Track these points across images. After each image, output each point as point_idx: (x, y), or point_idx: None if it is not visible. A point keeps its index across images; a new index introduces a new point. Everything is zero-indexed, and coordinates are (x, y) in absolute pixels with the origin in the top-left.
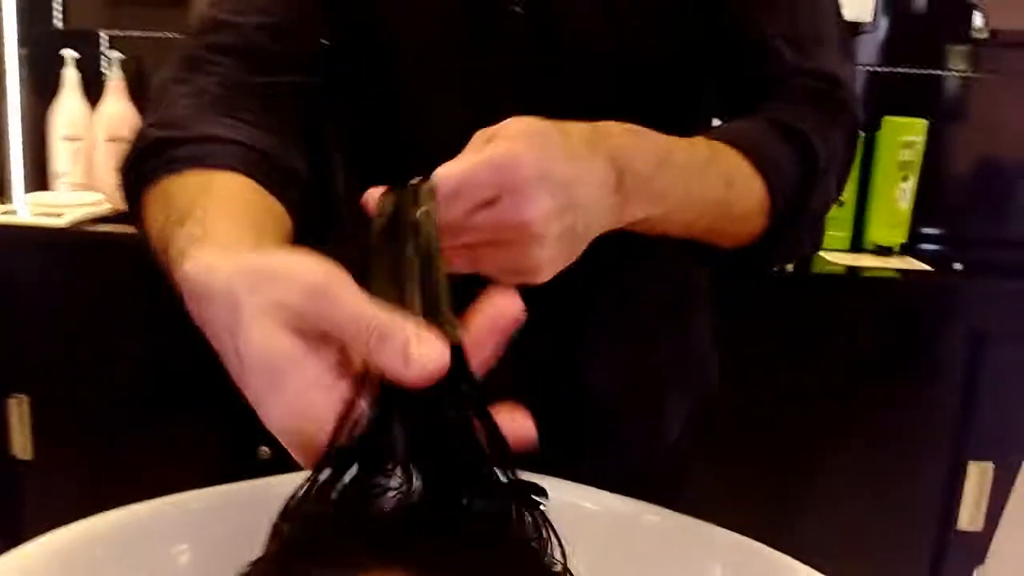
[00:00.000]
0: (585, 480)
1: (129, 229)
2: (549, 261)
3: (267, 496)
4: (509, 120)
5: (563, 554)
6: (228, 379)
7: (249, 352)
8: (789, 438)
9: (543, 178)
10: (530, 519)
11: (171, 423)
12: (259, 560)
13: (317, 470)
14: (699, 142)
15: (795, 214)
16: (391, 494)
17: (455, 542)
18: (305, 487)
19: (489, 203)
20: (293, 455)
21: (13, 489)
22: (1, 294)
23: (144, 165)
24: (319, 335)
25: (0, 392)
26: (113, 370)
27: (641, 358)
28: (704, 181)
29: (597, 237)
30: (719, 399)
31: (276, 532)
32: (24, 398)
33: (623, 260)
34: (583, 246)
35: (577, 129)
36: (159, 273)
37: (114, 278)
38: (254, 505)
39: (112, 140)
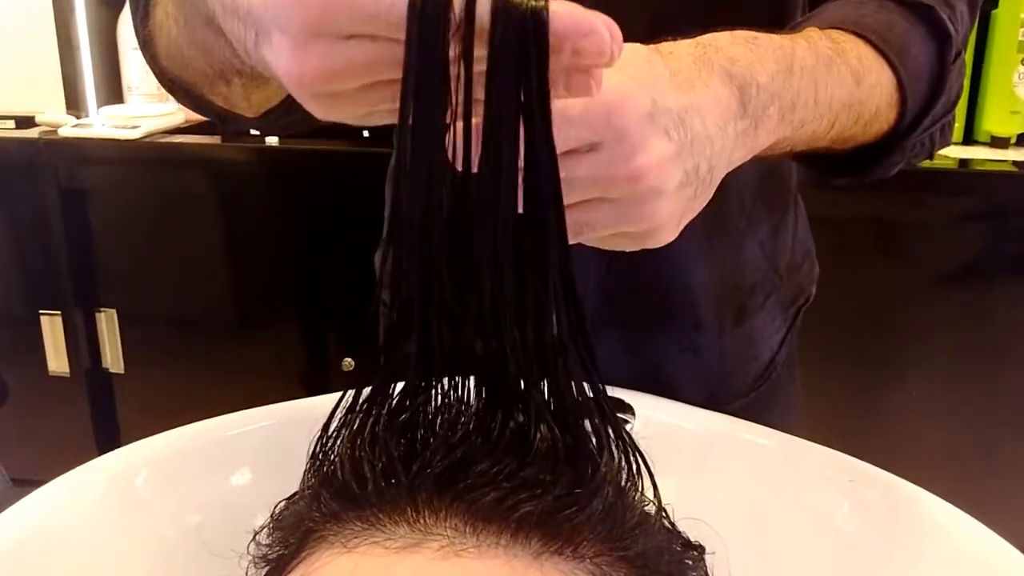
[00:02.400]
0: (674, 393)
1: (206, 139)
2: (671, 217)
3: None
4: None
5: (653, 485)
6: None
7: None
8: (885, 345)
9: (654, 115)
10: (614, 443)
11: (256, 335)
12: (295, 497)
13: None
14: (816, 36)
15: (929, 103)
16: (443, 416)
17: (518, 485)
18: (347, 407)
19: (591, 149)
20: None
21: (108, 402)
22: (81, 208)
23: None
24: None
25: (88, 306)
26: (196, 282)
27: (728, 261)
28: (832, 83)
29: None
30: (814, 307)
31: (315, 464)
32: (112, 311)
33: None
34: (711, 191)
35: (683, 49)
36: (236, 183)
37: (191, 189)
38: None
39: None
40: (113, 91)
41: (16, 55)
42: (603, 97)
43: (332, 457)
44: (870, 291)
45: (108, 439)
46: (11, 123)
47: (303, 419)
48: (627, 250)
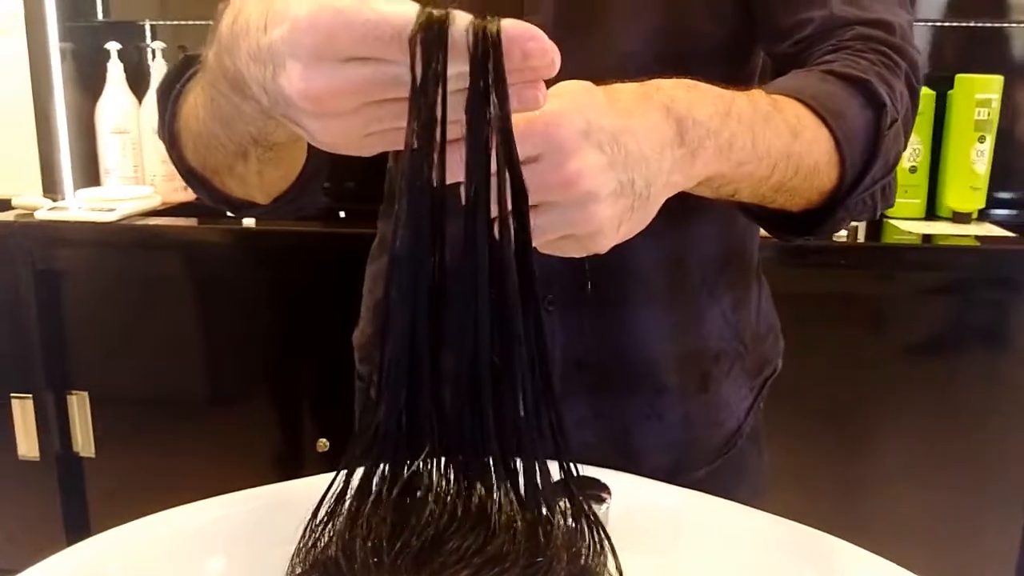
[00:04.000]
0: (641, 457)
1: (182, 221)
2: (609, 221)
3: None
4: (556, 84)
5: (615, 558)
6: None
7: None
8: (857, 416)
9: (588, 132)
10: (583, 523)
11: (229, 417)
12: None
13: (347, 464)
14: (756, 93)
15: (867, 164)
16: (421, 492)
17: (486, 560)
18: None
19: (534, 161)
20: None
21: (78, 486)
22: (55, 290)
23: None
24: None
25: (60, 388)
26: (169, 364)
27: (690, 329)
28: (770, 132)
29: None
30: (784, 380)
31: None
32: (84, 394)
33: (667, 220)
34: (652, 207)
35: (626, 86)
36: (212, 265)
37: (167, 271)
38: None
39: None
40: (90, 174)
41: None
42: (543, 116)
43: (324, 539)
44: (839, 364)
45: (77, 524)
46: None
47: (278, 504)
48: (574, 255)
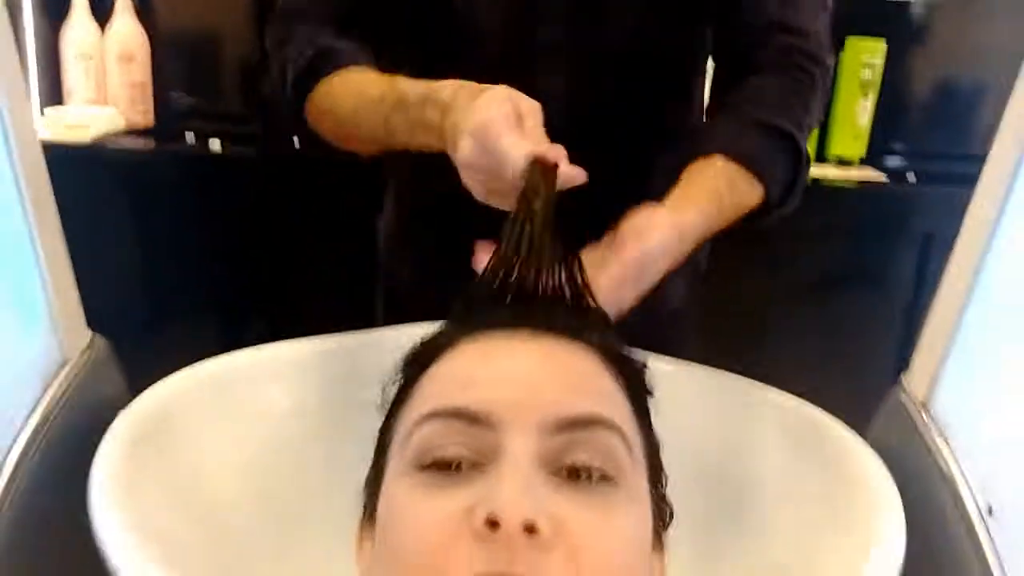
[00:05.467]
0: None
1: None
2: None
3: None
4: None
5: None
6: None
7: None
8: (752, 350)
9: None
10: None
11: (213, 334)
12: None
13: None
14: (720, 176)
15: (785, 199)
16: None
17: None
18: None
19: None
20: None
21: None
22: None
23: (307, 76)
24: None
25: None
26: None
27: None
28: (723, 216)
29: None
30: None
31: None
32: None
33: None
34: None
35: (681, 234)
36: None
37: (141, 192)
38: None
39: (121, 59)
40: (55, 98)
41: None
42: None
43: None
44: (738, 300)
45: None
46: None
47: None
48: None
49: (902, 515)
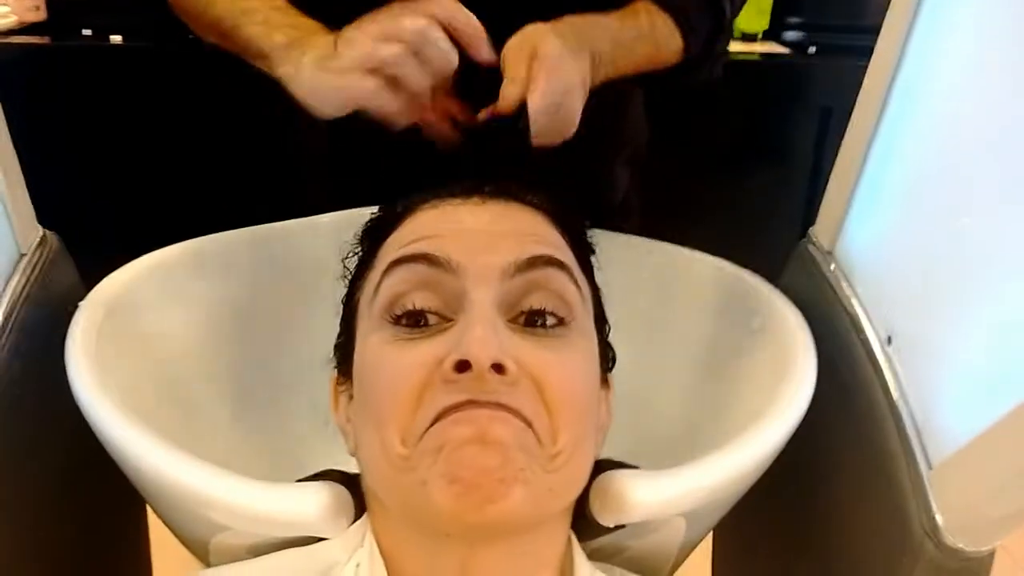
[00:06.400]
0: None
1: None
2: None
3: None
4: (540, 37)
5: None
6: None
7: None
8: (664, 216)
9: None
10: None
11: (113, 232)
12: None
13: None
14: (640, 13)
15: (703, 57)
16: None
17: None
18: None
19: None
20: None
21: None
22: None
23: None
24: None
25: None
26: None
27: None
28: (642, 47)
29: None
30: None
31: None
32: None
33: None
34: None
35: (570, 31)
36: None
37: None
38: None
39: None
40: None
41: None
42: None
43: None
44: (648, 173)
45: None
46: None
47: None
48: None
49: (813, 347)
